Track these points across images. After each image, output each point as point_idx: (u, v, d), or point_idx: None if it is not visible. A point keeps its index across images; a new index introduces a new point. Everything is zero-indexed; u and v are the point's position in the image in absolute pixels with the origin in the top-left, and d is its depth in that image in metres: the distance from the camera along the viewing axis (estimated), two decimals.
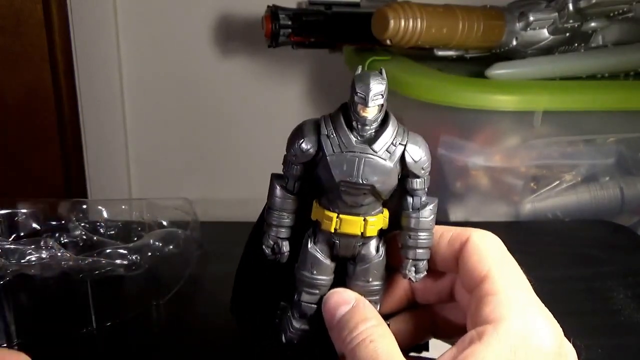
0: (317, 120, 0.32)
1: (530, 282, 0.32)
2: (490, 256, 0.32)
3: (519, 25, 0.84)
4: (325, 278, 0.34)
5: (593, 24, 0.84)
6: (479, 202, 0.85)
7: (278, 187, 0.33)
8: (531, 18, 0.83)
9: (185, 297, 0.60)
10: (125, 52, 1.22)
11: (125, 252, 0.54)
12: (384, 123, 0.32)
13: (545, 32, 0.84)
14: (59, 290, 0.54)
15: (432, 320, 0.36)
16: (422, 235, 0.33)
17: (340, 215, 0.32)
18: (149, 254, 0.56)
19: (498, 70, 0.81)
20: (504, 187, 0.84)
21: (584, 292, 0.61)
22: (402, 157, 0.32)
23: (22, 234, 0.62)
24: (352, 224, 0.32)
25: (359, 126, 0.31)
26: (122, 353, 0.53)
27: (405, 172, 0.33)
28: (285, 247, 0.34)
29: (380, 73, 0.31)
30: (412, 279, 0.33)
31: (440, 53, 0.87)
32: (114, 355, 0.53)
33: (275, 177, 0.34)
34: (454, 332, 0.34)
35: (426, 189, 0.34)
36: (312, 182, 0.33)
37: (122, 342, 0.54)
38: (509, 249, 0.33)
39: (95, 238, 0.61)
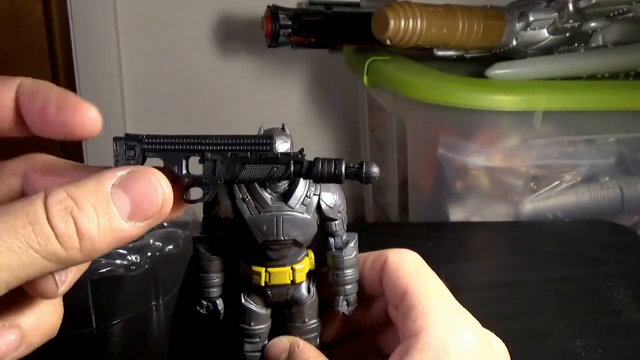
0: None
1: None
2: (408, 271, 0.33)
3: (519, 25, 0.84)
4: (263, 326, 0.35)
5: (593, 24, 0.84)
6: (479, 202, 0.85)
7: (202, 250, 0.34)
8: (531, 18, 0.83)
9: None
10: (125, 52, 1.22)
11: (125, 252, 0.54)
12: None
13: (545, 32, 0.84)
14: None
15: (375, 343, 0.37)
16: (348, 272, 0.35)
17: (268, 269, 0.33)
18: (149, 254, 0.56)
19: (498, 70, 0.81)
20: (504, 187, 0.84)
21: (584, 292, 0.61)
22: (318, 205, 0.33)
23: None
24: (281, 275, 0.34)
25: (271, 184, 0.32)
26: (122, 353, 0.53)
27: (323, 217, 0.33)
28: (220, 305, 0.35)
29: (284, 129, 0.32)
30: (346, 312, 0.35)
31: (440, 53, 0.87)
32: (114, 355, 0.53)
33: (197, 241, 0.34)
34: None
35: (345, 228, 0.35)
36: (235, 241, 0.33)
37: (122, 342, 0.54)
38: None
39: None
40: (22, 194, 0.28)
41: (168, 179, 0.26)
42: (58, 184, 0.24)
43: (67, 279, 0.26)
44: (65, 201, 0.23)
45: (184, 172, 0.27)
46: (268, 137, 0.28)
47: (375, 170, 0.28)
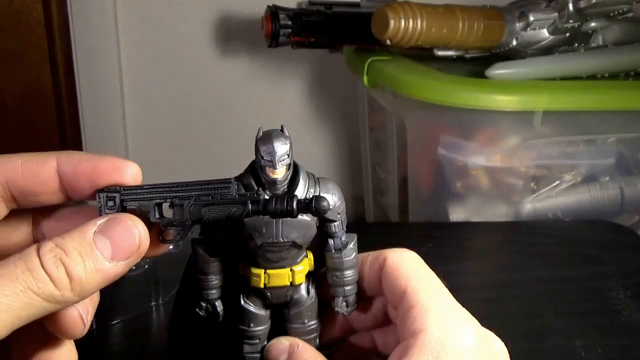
0: None
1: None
2: (407, 271, 0.33)
3: (519, 25, 0.84)
4: (262, 327, 0.35)
5: (593, 24, 0.84)
6: (479, 202, 0.86)
7: (200, 252, 0.34)
8: (531, 18, 0.83)
9: None
10: (125, 52, 1.22)
11: None
12: (295, 177, 0.32)
13: (545, 32, 0.84)
14: None
15: (374, 343, 0.37)
16: (348, 273, 0.35)
17: (268, 271, 0.34)
18: None
19: (498, 70, 0.81)
20: (504, 187, 0.84)
21: (584, 292, 0.61)
22: None
23: None
24: (280, 277, 0.34)
25: (270, 186, 0.32)
26: (122, 353, 0.53)
27: (323, 219, 0.33)
28: (219, 306, 0.35)
29: (282, 131, 0.32)
30: (345, 313, 0.35)
31: (440, 53, 0.87)
32: (114, 355, 0.53)
33: (196, 243, 0.34)
34: None
35: (344, 229, 0.35)
36: (234, 242, 0.33)
37: (122, 342, 0.54)
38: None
39: None
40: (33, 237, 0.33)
41: (145, 222, 0.29)
42: (61, 229, 0.28)
43: (89, 319, 0.30)
44: (54, 250, 0.26)
45: (157, 216, 0.30)
46: (226, 181, 0.30)
47: (324, 203, 0.29)
